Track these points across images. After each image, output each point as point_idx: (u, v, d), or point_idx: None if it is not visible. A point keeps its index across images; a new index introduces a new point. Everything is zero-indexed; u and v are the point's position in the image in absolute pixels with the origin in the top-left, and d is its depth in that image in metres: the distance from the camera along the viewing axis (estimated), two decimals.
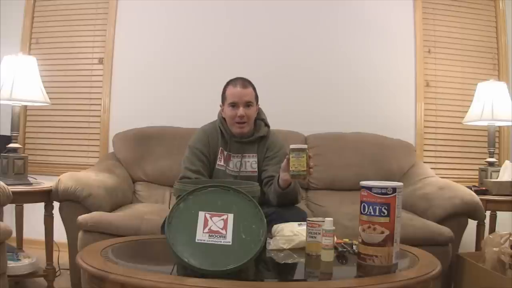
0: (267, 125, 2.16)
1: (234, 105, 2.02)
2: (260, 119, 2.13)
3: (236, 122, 2.03)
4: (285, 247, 1.57)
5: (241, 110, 2.00)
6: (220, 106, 2.13)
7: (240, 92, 2.02)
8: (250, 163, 2.09)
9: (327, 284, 1.34)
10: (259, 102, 2.14)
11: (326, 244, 1.42)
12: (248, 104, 2.03)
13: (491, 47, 3.32)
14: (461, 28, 3.30)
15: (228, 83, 2.09)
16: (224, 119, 2.10)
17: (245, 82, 2.06)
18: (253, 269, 1.35)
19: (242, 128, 2.04)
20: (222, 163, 2.08)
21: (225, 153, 2.08)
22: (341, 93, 3.22)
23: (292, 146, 1.66)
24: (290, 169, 1.64)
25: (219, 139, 2.10)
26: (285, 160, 1.74)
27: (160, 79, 3.25)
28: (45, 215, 2.37)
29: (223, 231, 1.26)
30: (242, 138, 2.08)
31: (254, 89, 2.08)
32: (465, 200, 2.23)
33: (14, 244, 2.60)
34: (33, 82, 2.48)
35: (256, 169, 2.09)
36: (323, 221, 1.48)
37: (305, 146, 1.68)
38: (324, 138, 2.95)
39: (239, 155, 2.08)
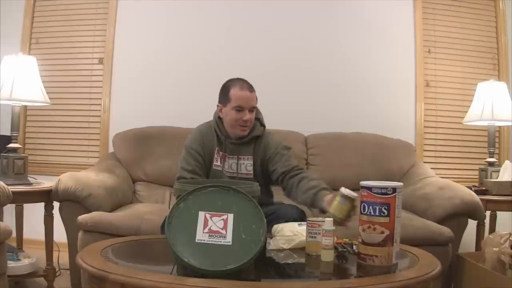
0: (262, 124, 2.12)
1: (240, 109, 1.97)
2: (256, 119, 2.08)
3: (240, 125, 1.99)
4: (285, 247, 1.57)
5: (247, 115, 1.97)
6: (218, 106, 2.06)
7: (247, 97, 1.97)
8: (245, 165, 2.05)
9: (327, 284, 1.35)
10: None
11: (326, 244, 1.42)
12: (252, 109, 2.00)
13: (491, 47, 3.32)
14: (461, 28, 3.30)
15: (231, 85, 2.01)
16: (220, 119, 2.06)
17: (250, 86, 2.00)
18: (253, 269, 1.35)
19: (243, 131, 2.02)
20: (218, 163, 2.06)
21: (221, 153, 2.07)
22: (341, 93, 3.22)
23: (342, 191, 1.57)
24: (330, 209, 1.60)
25: (215, 139, 2.07)
26: (332, 195, 1.70)
27: (160, 79, 3.25)
28: (45, 215, 2.37)
29: (223, 231, 1.26)
30: (237, 139, 2.05)
31: (255, 92, 2.04)
32: (465, 200, 2.23)
33: (14, 244, 2.60)
34: (33, 82, 2.48)
35: (252, 172, 2.05)
36: (323, 221, 1.48)
37: (355, 195, 1.55)
38: (324, 138, 2.95)
39: (234, 156, 2.05)
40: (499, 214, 2.81)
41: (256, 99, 2.03)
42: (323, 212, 1.79)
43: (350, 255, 1.50)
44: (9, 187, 1.97)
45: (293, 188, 1.96)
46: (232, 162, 2.05)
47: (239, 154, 2.06)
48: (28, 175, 2.49)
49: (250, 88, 2.00)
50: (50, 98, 2.60)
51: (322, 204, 1.78)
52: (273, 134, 2.16)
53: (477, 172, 2.88)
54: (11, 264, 2.15)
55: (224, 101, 2.02)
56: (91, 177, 2.40)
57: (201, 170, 2.02)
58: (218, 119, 2.07)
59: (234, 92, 1.98)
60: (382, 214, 1.30)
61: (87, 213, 2.19)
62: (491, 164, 2.80)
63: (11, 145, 2.43)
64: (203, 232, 1.25)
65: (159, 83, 3.25)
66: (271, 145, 2.08)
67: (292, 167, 2.00)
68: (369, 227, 1.31)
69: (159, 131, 2.91)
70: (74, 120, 3.28)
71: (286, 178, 1.99)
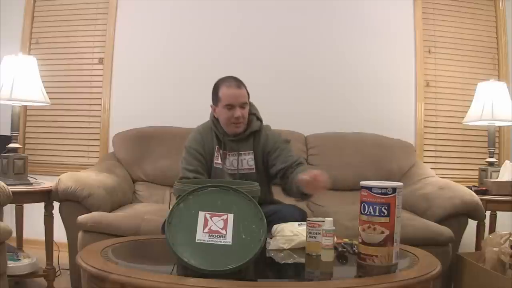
0: (259, 119, 2.13)
1: (230, 107, 1.99)
2: (251, 114, 2.10)
3: (233, 122, 2.01)
4: (285, 247, 1.57)
5: (238, 112, 1.98)
6: (212, 106, 2.09)
7: (235, 94, 1.99)
8: (247, 160, 2.07)
9: (327, 284, 1.34)
10: (252, 100, 2.12)
11: (326, 244, 1.42)
12: (243, 105, 2.01)
13: (491, 47, 3.32)
14: (461, 28, 3.30)
15: (220, 84, 2.03)
16: (217, 119, 2.08)
17: (238, 82, 2.03)
18: (253, 269, 1.35)
19: (238, 128, 2.03)
20: (219, 161, 2.07)
21: (221, 151, 2.08)
22: (341, 94, 3.22)
23: None
24: None
25: (214, 138, 2.09)
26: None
27: (160, 79, 3.25)
28: (45, 215, 2.37)
29: (223, 231, 1.26)
30: (236, 136, 2.07)
31: (245, 87, 2.06)
32: (465, 200, 2.23)
33: (14, 244, 2.60)
34: (33, 82, 2.48)
35: (253, 166, 2.07)
36: (323, 221, 1.48)
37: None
38: (324, 138, 2.95)
39: (235, 153, 2.07)
40: (499, 214, 2.80)
41: (248, 95, 2.05)
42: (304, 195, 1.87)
43: (350, 255, 1.50)
44: (9, 187, 1.96)
45: (288, 184, 1.97)
46: (233, 159, 2.07)
47: (239, 150, 2.07)
48: (28, 175, 2.49)
49: (239, 85, 2.01)
50: (50, 98, 2.60)
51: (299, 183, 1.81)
52: (270, 128, 2.17)
53: (477, 172, 2.88)
54: (11, 264, 2.15)
55: (216, 101, 2.05)
56: (91, 177, 2.40)
57: (203, 169, 2.04)
58: (214, 118, 2.10)
59: (223, 91, 2.01)
60: (382, 214, 1.30)
61: (87, 213, 2.19)
62: (491, 164, 2.80)
63: (11, 145, 2.43)
64: (203, 232, 1.25)
65: (159, 83, 3.25)
66: (270, 139, 2.09)
67: (291, 162, 2.00)
68: (369, 227, 1.31)
69: (159, 131, 2.91)
70: (74, 120, 3.28)
71: (287, 174, 1.99)
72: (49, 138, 3.30)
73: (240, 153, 2.07)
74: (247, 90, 2.06)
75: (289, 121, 2.90)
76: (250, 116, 2.09)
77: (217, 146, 2.08)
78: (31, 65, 2.51)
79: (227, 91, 2.00)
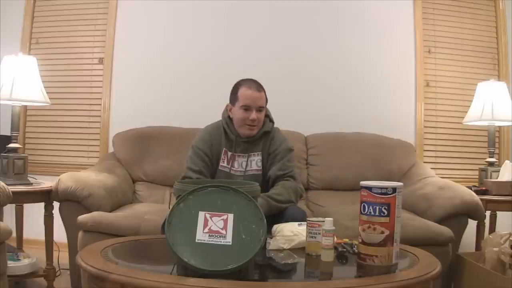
0: (271, 120, 2.15)
1: (247, 108, 1.99)
2: (265, 116, 2.11)
3: (247, 124, 2.01)
4: (285, 247, 1.57)
5: (254, 114, 1.98)
6: (228, 105, 2.09)
7: (255, 96, 1.99)
8: (256, 161, 2.08)
9: (327, 284, 1.34)
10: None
11: (326, 244, 1.42)
12: (260, 109, 2.02)
13: (491, 47, 3.32)
14: (461, 28, 3.30)
15: (241, 84, 2.04)
16: (230, 118, 2.08)
17: (258, 86, 2.03)
18: (253, 269, 1.35)
19: (252, 131, 2.03)
20: (225, 164, 2.07)
21: (229, 153, 2.07)
22: (341, 93, 3.22)
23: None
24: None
25: (223, 139, 2.08)
26: None
27: (160, 79, 3.25)
28: (45, 215, 2.37)
29: (223, 231, 1.26)
30: (248, 137, 2.07)
31: (265, 92, 2.06)
32: (465, 200, 2.23)
33: (14, 244, 2.60)
34: (33, 82, 2.48)
35: (261, 167, 2.08)
36: (323, 221, 1.48)
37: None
38: (324, 138, 2.95)
39: (245, 154, 2.08)
40: (499, 214, 2.81)
41: (266, 99, 2.06)
42: None
43: (350, 255, 1.50)
44: (9, 187, 1.96)
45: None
46: (242, 161, 2.07)
47: (250, 151, 2.08)
48: (28, 175, 2.49)
49: (258, 88, 2.02)
50: (50, 98, 2.60)
51: None
52: (280, 130, 2.19)
53: (477, 172, 2.88)
54: (11, 264, 2.15)
55: (233, 100, 2.05)
56: (91, 177, 2.40)
57: (207, 171, 2.05)
58: (228, 118, 2.09)
59: (242, 91, 2.01)
60: (382, 214, 1.30)
61: (87, 213, 2.19)
62: (491, 164, 2.80)
63: (11, 145, 2.43)
64: (203, 232, 1.25)
65: (159, 83, 3.24)
66: (275, 141, 2.11)
67: (287, 172, 2.04)
68: (369, 227, 1.31)
69: (159, 131, 2.90)
70: (74, 120, 3.28)
71: (277, 181, 2.03)
72: (49, 138, 3.30)
73: (250, 155, 2.08)
74: (266, 96, 2.06)
75: (289, 121, 2.89)
76: (264, 119, 2.10)
77: (224, 149, 2.07)
78: (31, 65, 2.51)
79: (246, 92, 2.00)
